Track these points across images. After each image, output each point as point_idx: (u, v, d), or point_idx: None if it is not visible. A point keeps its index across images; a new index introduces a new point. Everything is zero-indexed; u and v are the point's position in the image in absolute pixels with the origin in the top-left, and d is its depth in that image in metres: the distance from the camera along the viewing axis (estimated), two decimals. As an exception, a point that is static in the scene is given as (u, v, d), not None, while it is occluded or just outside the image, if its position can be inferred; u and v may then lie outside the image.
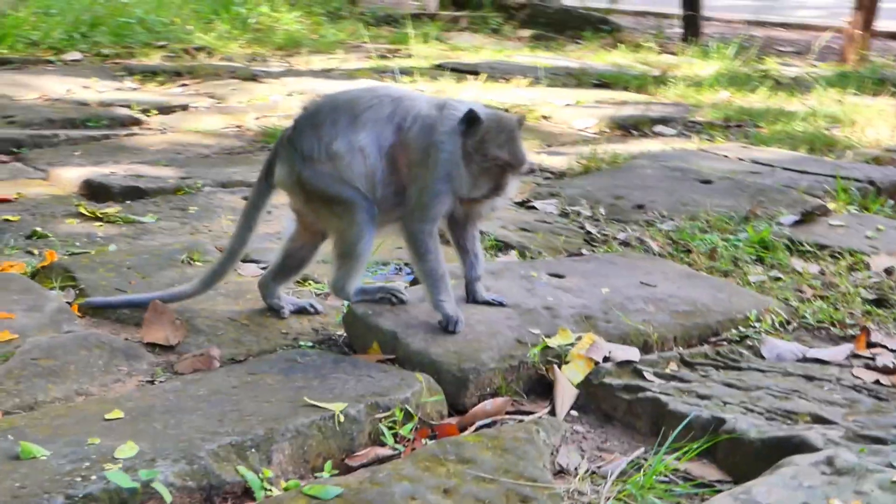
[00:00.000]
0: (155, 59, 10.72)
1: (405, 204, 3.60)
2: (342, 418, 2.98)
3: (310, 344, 3.68)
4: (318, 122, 3.60)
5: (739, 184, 5.83)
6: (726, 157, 6.67)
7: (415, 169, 3.57)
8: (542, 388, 3.43)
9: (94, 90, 8.84)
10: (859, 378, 3.49)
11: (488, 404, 3.24)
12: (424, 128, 3.56)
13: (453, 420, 3.19)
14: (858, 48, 12.93)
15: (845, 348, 3.75)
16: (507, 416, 3.25)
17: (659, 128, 7.92)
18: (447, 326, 3.53)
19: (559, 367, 3.44)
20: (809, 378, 3.46)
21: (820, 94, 9.18)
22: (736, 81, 9.85)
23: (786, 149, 7.04)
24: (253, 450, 2.80)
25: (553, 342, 3.51)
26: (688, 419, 3.05)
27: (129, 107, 8.07)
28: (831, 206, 5.57)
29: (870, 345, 3.83)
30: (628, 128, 7.86)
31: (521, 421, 3.20)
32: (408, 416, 3.11)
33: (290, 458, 2.86)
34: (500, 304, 3.76)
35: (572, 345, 3.51)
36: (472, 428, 3.15)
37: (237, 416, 2.95)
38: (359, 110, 3.57)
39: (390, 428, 3.06)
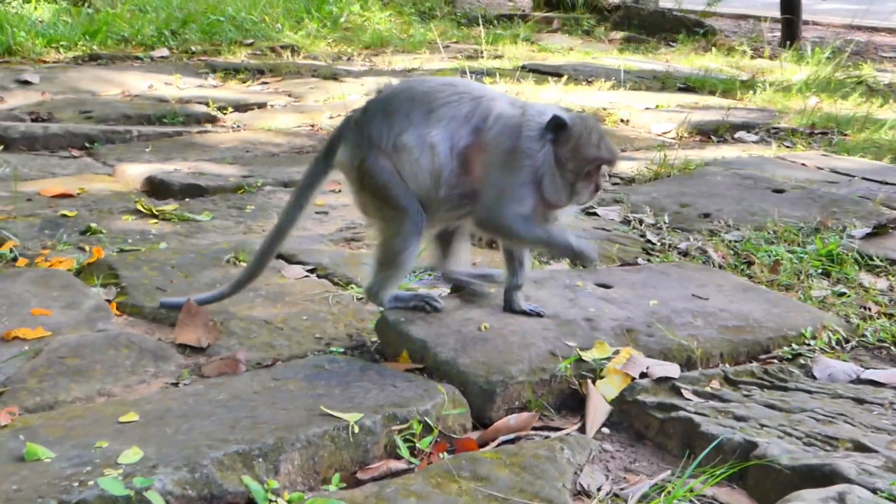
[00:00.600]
0: (241, 56, 10.78)
1: (478, 204, 3.49)
2: (356, 429, 2.90)
3: (341, 350, 3.61)
4: (391, 109, 3.49)
5: (813, 194, 5.61)
6: (804, 165, 6.43)
7: (491, 171, 3.46)
8: (575, 404, 3.30)
9: (176, 87, 8.91)
10: (914, 403, 3.30)
11: (512, 419, 3.12)
12: (507, 130, 3.44)
13: (475, 434, 3.08)
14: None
15: (904, 370, 3.56)
16: (533, 432, 3.13)
17: (740, 133, 7.69)
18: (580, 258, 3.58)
19: (593, 381, 3.31)
20: (860, 401, 3.28)
21: (914, 102, 8.86)
22: (827, 87, 9.54)
23: (869, 158, 6.77)
24: (260, 459, 2.72)
25: (588, 355, 3.38)
26: (716, 442, 2.90)
27: (206, 104, 8.10)
28: (909, 218, 5.33)
29: (932, 367, 3.64)
30: (708, 133, 7.65)
31: (546, 437, 3.08)
32: (427, 429, 3.01)
33: (300, 469, 2.78)
34: (538, 315, 3.65)
35: (609, 359, 3.38)
36: (494, 443, 3.04)
37: (250, 423, 2.88)
38: (435, 105, 3.46)
39: (408, 441, 2.96)
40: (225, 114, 7.97)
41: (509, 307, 3.68)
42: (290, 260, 4.50)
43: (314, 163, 3.75)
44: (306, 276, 4.26)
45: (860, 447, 2.90)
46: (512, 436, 3.08)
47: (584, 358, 3.37)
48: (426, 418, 3.01)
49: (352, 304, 3.97)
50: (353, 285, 4.20)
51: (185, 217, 5.10)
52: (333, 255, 4.54)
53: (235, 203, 5.42)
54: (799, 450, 2.87)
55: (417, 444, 2.96)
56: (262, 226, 5.04)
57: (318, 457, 2.82)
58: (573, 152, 3.42)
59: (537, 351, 3.39)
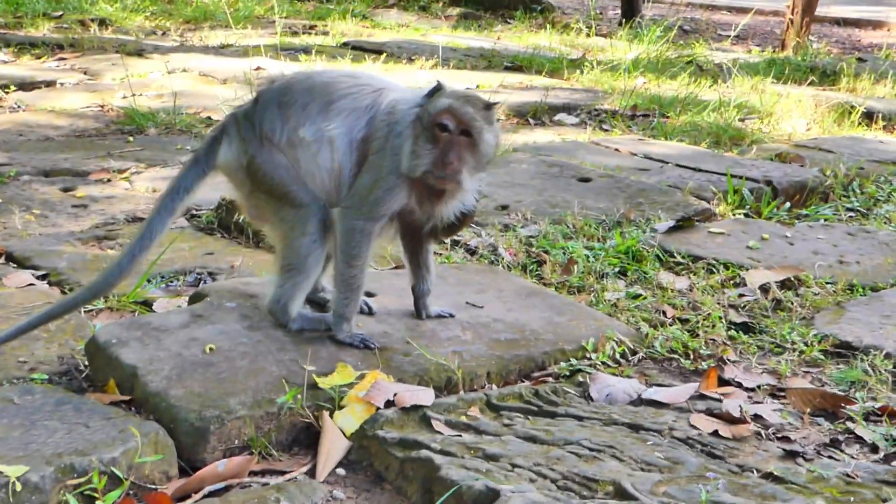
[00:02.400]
0: (44, 30, 10.01)
1: (350, 194, 3.10)
2: (19, 486, 2.37)
3: (45, 377, 3.06)
4: (287, 100, 3.09)
5: (621, 182, 5.23)
6: (617, 150, 6.06)
7: (372, 157, 3.08)
8: (309, 440, 2.83)
9: (-41, 63, 8.17)
10: (696, 427, 2.92)
11: (222, 464, 2.63)
12: (389, 115, 3.09)
13: (179, 484, 2.58)
14: (797, 34, 12.41)
15: (689, 388, 3.18)
16: (252, 478, 2.65)
17: (560, 116, 7.32)
18: (352, 344, 3.14)
19: (331, 413, 2.84)
20: (636, 428, 2.89)
21: (742, 83, 8.60)
22: (655, 67, 9.25)
23: (687, 142, 6.45)
24: None
25: (327, 382, 2.91)
26: (453, 490, 2.46)
27: (-14, 82, 7.39)
28: (719, 209, 4.99)
29: (722, 382, 3.27)
30: (525, 115, 7.25)
31: (266, 484, 2.61)
32: (116, 481, 2.50)
33: (-64, 543, 2.25)
34: (451, 316, 3.41)
35: (352, 385, 2.91)
36: (198, 496, 2.55)
37: None
38: (336, 96, 3.10)
39: (89, 498, 2.45)
40: (7, 92, 7.29)
41: (424, 313, 3.39)
42: (22, 263, 3.96)
43: (191, 163, 3.21)
44: (31, 285, 3.70)
45: (621, 492, 2.50)
46: (222, 484, 2.60)
47: (321, 384, 2.89)
48: (113, 468, 2.50)
49: (74, 319, 3.43)
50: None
51: (-86, 213, 4.48)
52: (74, 258, 3.99)
53: (-21, 196, 4.81)
54: (549, 499, 2.45)
55: (100, 503, 2.45)
56: (4, 222, 4.45)
57: (-37, 525, 2.29)
58: (426, 111, 3.03)
59: (267, 377, 2.91)
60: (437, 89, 3.09)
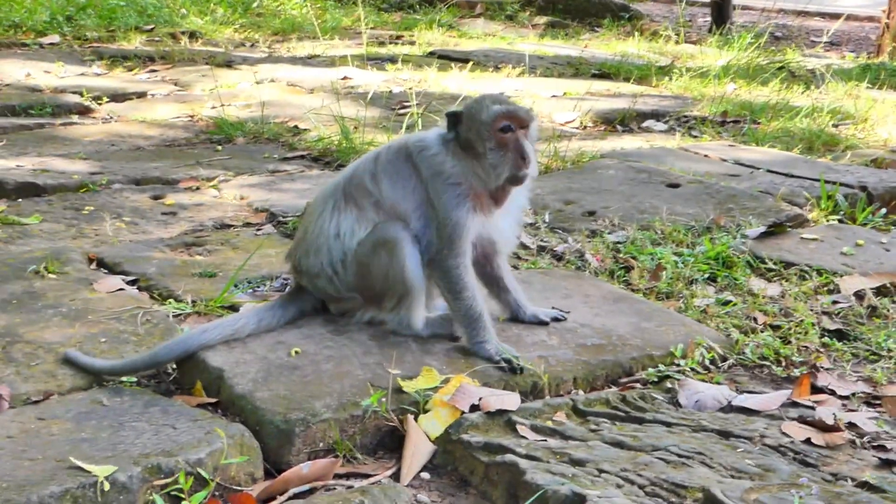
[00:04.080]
0: (136, 43, 10.15)
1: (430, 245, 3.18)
2: (107, 486, 2.39)
3: (134, 380, 3.09)
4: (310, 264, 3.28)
5: (710, 188, 5.14)
6: (707, 156, 5.97)
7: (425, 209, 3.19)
8: (394, 444, 2.82)
9: (55, 75, 8.30)
10: (787, 435, 2.84)
11: (306, 466, 2.63)
12: (417, 154, 3.21)
13: (264, 486, 2.58)
14: (893, 39, 12.15)
15: (781, 395, 3.11)
16: (336, 481, 2.65)
17: (648, 122, 7.23)
18: (501, 366, 3.08)
19: (416, 417, 2.83)
20: (725, 434, 2.83)
21: (836, 88, 8.44)
22: (746, 73, 9.11)
23: (779, 148, 6.32)
24: (-28, 530, 2.22)
25: (411, 385, 2.89)
26: (538, 495, 2.43)
27: (80, 94, 7.50)
28: (812, 215, 4.88)
29: (815, 389, 3.19)
30: (613, 122, 7.17)
31: (350, 487, 2.60)
32: (201, 482, 2.51)
33: (26, 540, 2.27)
34: (563, 319, 3.45)
35: (436, 389, 2.89)
36: (283, 497, 2.54)
37: (-22, 481, 2.37)
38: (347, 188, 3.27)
39: (175, 498, 2.46)
40: (100, 104, 7.39)
41: (524, 319, 3.42)
42: (112, 269, 3.98)
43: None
44: (121, 290, 3.74)
45: (710, 499, 2.43)
46: (307, 486, 2.59)
47: (406, 388, 2.88)
48: (199, 469, 2.52)
49: (163, 323, 3.44)
50: (171, 300, 3.68)
51: (9, 220, 4.54)
52: (163, 264, 4.02)
53: (74, 204, 4.87)
54: (636, 504, 2.40)
55: (186, 502, 2.46)
56: (95, 230, 4.51)
57: (52, 524, 2.31)
58: (474, 127, 3.12)
59: (352, 380, 2.90)
60: (454, 115, 3.18)
